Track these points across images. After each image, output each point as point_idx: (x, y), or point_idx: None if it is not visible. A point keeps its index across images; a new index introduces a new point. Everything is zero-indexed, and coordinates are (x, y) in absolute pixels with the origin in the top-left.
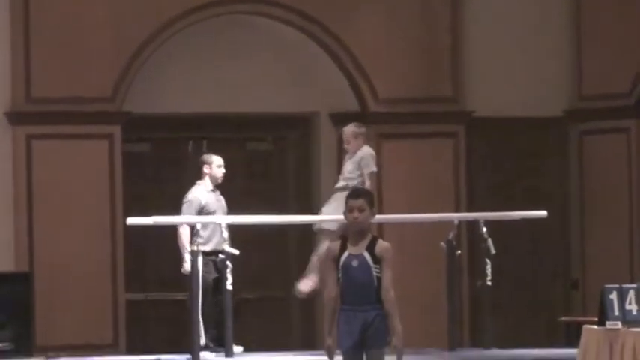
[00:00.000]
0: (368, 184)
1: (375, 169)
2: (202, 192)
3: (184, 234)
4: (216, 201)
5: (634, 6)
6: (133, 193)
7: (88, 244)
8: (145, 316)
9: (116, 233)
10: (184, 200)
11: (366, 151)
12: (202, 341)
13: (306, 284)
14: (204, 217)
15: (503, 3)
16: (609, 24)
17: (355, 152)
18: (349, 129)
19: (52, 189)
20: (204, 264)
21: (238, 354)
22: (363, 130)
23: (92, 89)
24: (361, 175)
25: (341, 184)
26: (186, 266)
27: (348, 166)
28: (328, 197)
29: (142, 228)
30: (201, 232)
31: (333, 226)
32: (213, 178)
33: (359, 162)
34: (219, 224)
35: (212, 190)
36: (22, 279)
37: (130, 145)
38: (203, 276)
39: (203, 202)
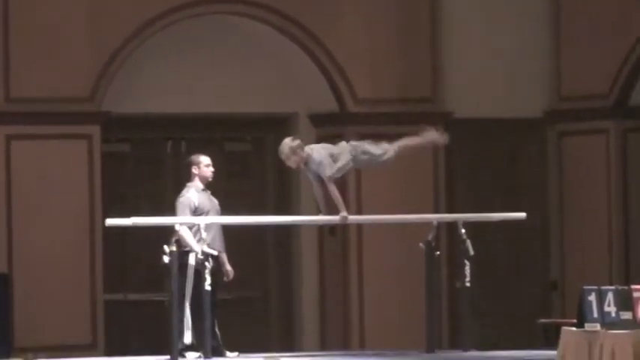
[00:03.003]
0: (335, 190)
1: (330, 172)
2: (194, 193)
3: (185, 235)
4: (208, 201)
5: (612, 8)
6: (112, 193)
7: (67, 244)
8: (124, 317)
9: (95, 234)
10: (177, 202)
11: (316, 156)
12: (188, 339)
13: None
14: (185, 218)
15: (482, 4)
16: (588, 25)
17: (304, 165)
18: (284, 148)
19: (31, 189)
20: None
21: (217, 357)
22: (298, 142)
23: (71, 89)
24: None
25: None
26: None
27: (318, 190)
28: (307, 199)
29: (121, 228)
30: (204, 234)
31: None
32: (202, 178)
33: (319, 176)
34: (219, 225)
35: (203, 190)
36: (1, 280)
37: (109, 145)
38: (200, 275)
39: (196, 203)
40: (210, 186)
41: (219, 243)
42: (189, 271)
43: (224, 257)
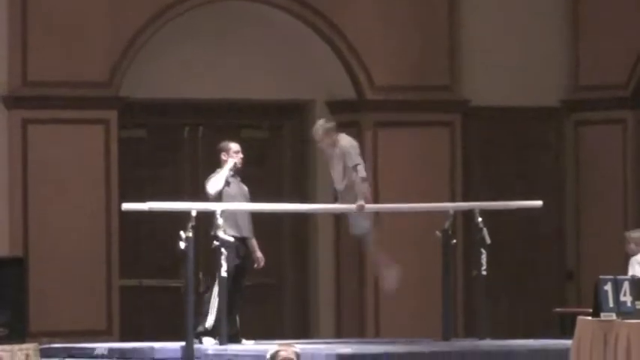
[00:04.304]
0: (359, 179)
1: (359, 161)
2: (224, 179)
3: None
4: (237, 187)
5: None
6: (129, 178)
7: (83, 229)
8: (139, 302)
9: (111, 219)
10: (209, 177)
11: (345, 143)
12: (209, 323)
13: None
14: (203, 204)
15: None
16: (607, 15)
17: (333, 147)
18: (318, 130)
19: (48, 174)
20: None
21: (233, 344)
22: (332, 124)
23: (89, 74)
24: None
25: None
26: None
27: (338, 171)
28: (323, 186)
29: (137, 214)
30: (220, 220)
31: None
32: (233, 165)
33: (344, 160)
34: (248, 211)
35: (232, 176)
36: (16, 264)
37: (126, 130)
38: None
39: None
40: (239, 172)
41: (248, 229)
42: (222, 256)
43: (254, 244)
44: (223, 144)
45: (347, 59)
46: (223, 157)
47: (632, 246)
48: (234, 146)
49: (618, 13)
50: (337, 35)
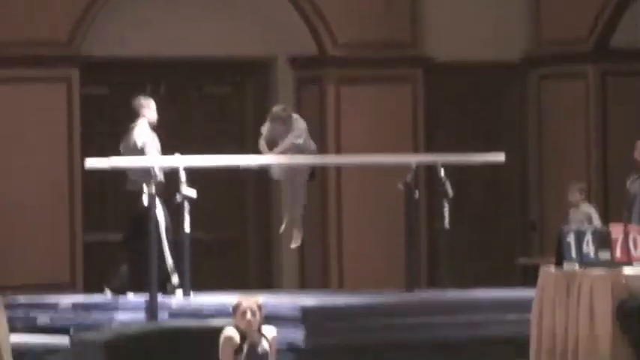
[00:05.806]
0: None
1: (293, 140)
2: (149, 132)
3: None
4: (157, 141)
5: None
6: (90, 135)
7: (46, 186)
8: (103, 257)
9: (74, 175)
10: (140, 142)
11: (298, 124)
12: (176, 280)
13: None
14: (166, 159)
15: None
16: None
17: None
18: (279, 115)
19: (10, 132)
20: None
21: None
22: (287, 112)
23: (50, 32)
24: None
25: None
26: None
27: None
28: None
29: (100, 170)
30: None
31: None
32: (151, 121)
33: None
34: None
35: (153, 131)
36: None
37: (88, 88)
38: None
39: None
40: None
41: None
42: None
43: None
44: (143, 100)
45: (309, 16)
46: (145, 112)
47: (577, 195)
48: (152, 102)
49: None
50: None
